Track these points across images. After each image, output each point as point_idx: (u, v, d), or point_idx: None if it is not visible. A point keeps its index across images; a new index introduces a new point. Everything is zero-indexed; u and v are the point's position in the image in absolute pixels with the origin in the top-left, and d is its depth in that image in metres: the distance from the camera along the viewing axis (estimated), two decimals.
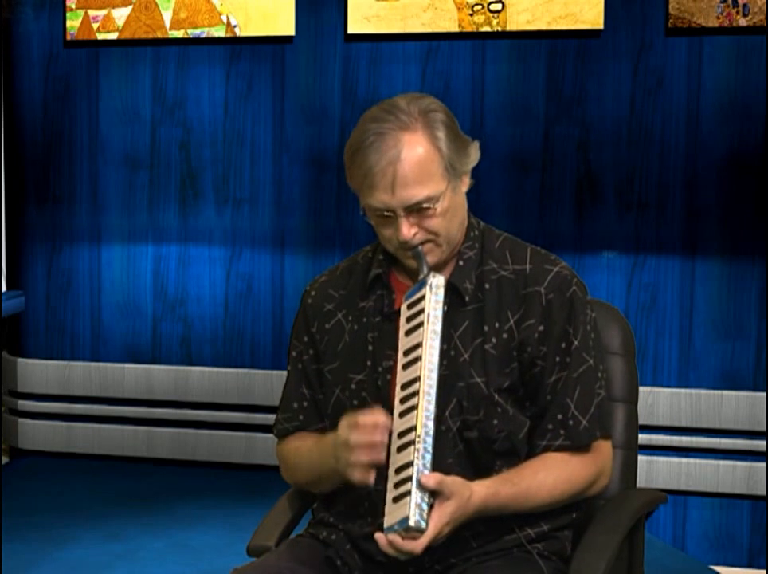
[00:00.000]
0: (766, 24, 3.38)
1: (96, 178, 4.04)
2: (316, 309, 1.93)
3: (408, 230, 1.75)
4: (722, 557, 3.50)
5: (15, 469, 4.09)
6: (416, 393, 1.67)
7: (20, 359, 4.15)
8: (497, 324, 1.80)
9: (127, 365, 4.05)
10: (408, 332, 1.73)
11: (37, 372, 4.13)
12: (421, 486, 1.62)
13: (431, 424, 1.65)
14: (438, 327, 1.69)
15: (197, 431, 4.01)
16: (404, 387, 1.70)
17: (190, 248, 3.98)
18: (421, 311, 1.71)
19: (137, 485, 3.86)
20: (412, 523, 1.61)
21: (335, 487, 1.85)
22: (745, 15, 3.39)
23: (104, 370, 4.07)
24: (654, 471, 3.49)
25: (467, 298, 1.80)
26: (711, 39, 3.44)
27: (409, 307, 1.75)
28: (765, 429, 3.42)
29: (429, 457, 1.64)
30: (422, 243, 1.77)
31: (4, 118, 4.14)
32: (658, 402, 3.49)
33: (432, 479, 1.63)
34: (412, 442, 1.65)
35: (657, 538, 3.48)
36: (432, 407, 1.66)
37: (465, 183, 1.83)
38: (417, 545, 1.63)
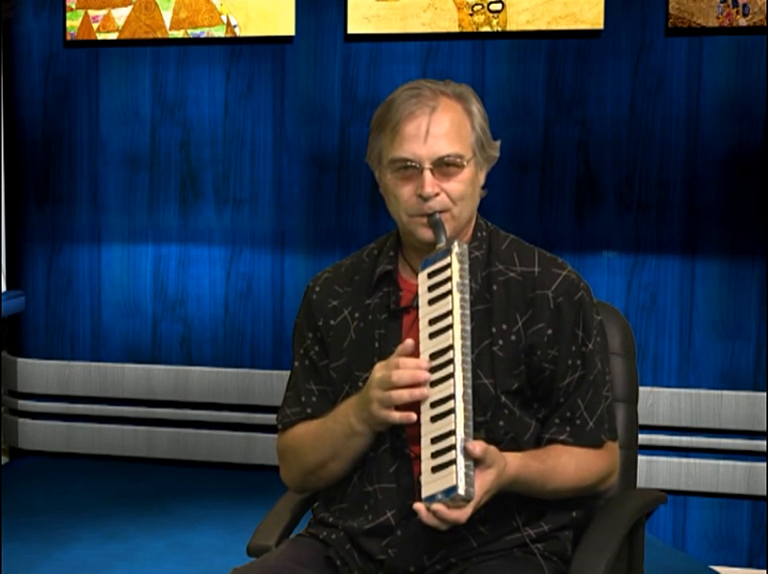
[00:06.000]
0: (766, 24, 3.38)
1: (95, 178, 4.05)
2: (321, 305, 1.91)
3: (431, 184, 1.75)
4: (722, 557, 3.50)
5: (15, 469, 4.09)
6: (450, 361, 1.63)
7: (20, 359, 4.15)
8: (505, 326, 1.80)
9: (127, 365, 4.05)
10: (432, 301, 1.69)
11: (37, 372, 4.13)
12: (465, 454, 1.59)
13: (470, 391, 1.62)
14: (467, 295, 1.66)
15: (197, 431, 4.01)
16: (434, 356, 1.67)
17: (190, 248, 3.98)
18: (446, 279, 1.67)
19: (137, 485, 3.86)
20: (462, 492, 1.57)
21: (348, 463, 1.83)
22: (745, 15, 3.39)
23: (104, 370, 4.07)
24: (654, 471, 3.49)
25: (471, 298, 1.79)
26: (711, 39, 3.44)
27: (430, 276, 1.71)
28: (765, 429, 3.42)
29: (471, 424, 1.61)
30: (440, 211, 1.76)
31: (4, 118, 4.14)
32: (658, 402, 3.49)
33: (479, 447, 1.61)
34: (451, 411, 1.61)
35: (657, 538, 3.48)
36: (469, 375, 1.63)
37: (482, 177, 1.85)
38: (463, 514, 1.60)
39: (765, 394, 3.41)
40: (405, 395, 1.68)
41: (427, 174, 1.76)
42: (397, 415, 1.69)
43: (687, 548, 3.52)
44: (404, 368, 1.68)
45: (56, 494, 3.78)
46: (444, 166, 1.76)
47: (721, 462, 3.47)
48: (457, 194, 1.77)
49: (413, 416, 1.68)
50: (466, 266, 1.69)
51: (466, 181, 1.78)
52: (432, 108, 1.77)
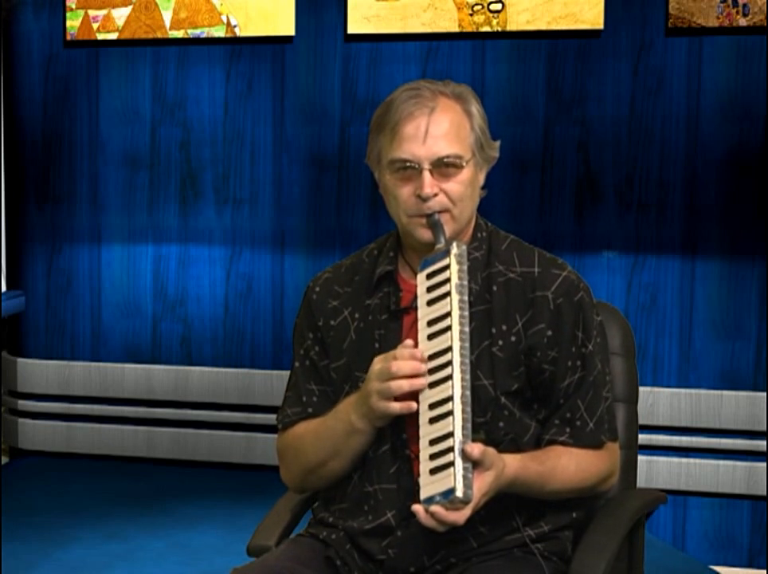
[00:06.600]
0: (766, 24, 3.38)
1: (95, 178, 4.05)
2: (321, 305, 1.91)
3: (430, 184, 1.75)
4: (722, 557, 3.50)
5: (15, 469, 4.09)
6: (449, 363, 1.63)
7: (20, 359, 4.15)
8: (504, 327, 1.80)
9: (127, 365, 4.05)
10: (431, 302, 1.69)
11: (37, 372, 4.13)
12: (464, 456, 1.59)
13: (468, 394, 1.62)
14: (466, 297, 1.66)
15: (197, 431, 4.01)
16: (433, 357, 1.67)
17: (190, 248, 3.98)
18: (445, 281, 1.68)
19: (137, 485, 3.86)
20: (460, 494, 1.58)
21: (349, 461, 1.83)
22: (745, 15, 3.39)
23: (104, 370, 4.07)
24: (654, 471, 3.49)
25: (471, 299, 1.79)
26: (711, 39, 3.44)
27: (429, 277, 1.71)
28: (765, 429, 3.42)
29: (469, 427, 1.61)
30: (439, 212, 1.76)
31: (4, 118, 4.14)
32: (658, 402, 3.49)
33: (477, 449, 1.61)
34: (449, 413, 1.61)
35: (657, 538, 3.48)
36: (468, 377, 1.63)
37: (481, 178, 1.85)
38: (461, 516, 1.61)
39: (765, 394, 3.41)
40: (404, 385, 1.68)
41: (426, 174, 1.76)
42: (396, 406, 1.70)
43: (687, 548, 3.52)
44: (402, 359, 1.69)
45: (56, 494, 3.78)
46: (444, 166, 1.76)
47: (721, 462, 3.47)
48: (457, 194, 1.77)
49: (414, 405, 1.68)
50: (465, 267, 1.69)
51: (465, 181, 1.78)
52: (431, 109, 1.77)
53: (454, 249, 1.69)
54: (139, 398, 4.05)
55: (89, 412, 4.11)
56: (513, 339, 1.79)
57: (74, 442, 4.12)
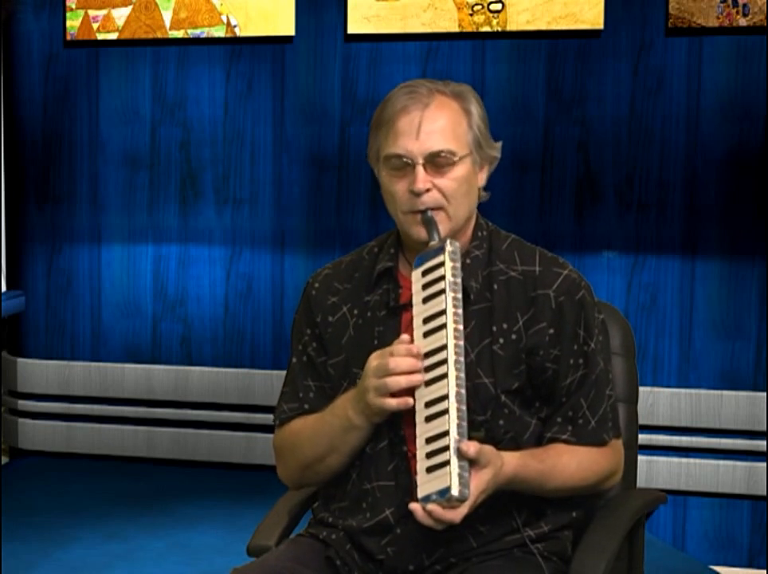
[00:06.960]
0: (766, 24, 3.38)
1: (95, 178, 4.05)
2: (320, 301, 1.91)
3: (423, 180, 1.75)
4: (722, 557, 3.50)
5: (15, 469, 4.09)
6: (444, 361, 1.64)
7: (20, 359, 4.15)
8: (505, 325, 1.80)
9: (127, 365, 4.05)
10: (426, 300, 1.70)
11: (37, 372, 4.13)
12: (459, 455, 1.60)
13: (463, 392, 1.62)
14: (460, 294, 1.67)
15: (197, 431, 4.01)
16: (428, 355, 1.67)
17: (190, 248, 3.98)
18: (440, 278, 1.68)
19: (137, 485, 3.86)
20: (455, 493, 1.58)
21: (346, 457, 1.83)
22: (745, 15, 3.39)
23: (104, 370, 4.07)
24: (654, 471, 3.49)
25: (472, 297, 1.79)
26: (711, 39, 3.44)
27: (424, 274, 1.72)
28: (765, 429, 3.42)
29: (464, 425, 1.62)
30: (432, 209, 1.76)
31: (4, 118, 4.14)
32: (658, 402, 3.49)
33: (473, 447, 1.61)
34: (445, 411, 1.62)
35: (657, 538, 3.48)
36: (462, 375, 1.63)
37: (482, 178, 1.84)
38: (458, 514, 1.61)
39: (765, 394, 3.41)
40: (401, 381, 1.68)
41: (419, 169, 1.76)
42: (393, 402, 1.70)
43: (687, 548, 3.52)
44: (398, 355, 1.69)
45: (56, 494, 3.78)
46: (437, 162, 1.76)
47: (721, 462, 3.47)
48: (450, 190, 1.77)
49: (410, 401, 1.69)
50: (458, 265, 1.69)
51: (460, 178, 1.78)
52: (425, 105, 1.77)
53: (448, 247, 1.69)
54: (139, 398, 4.05)
55: (89, 412, 4.11)
56: (514, 337, 1.79)
57: (74, 442, 4.12)
